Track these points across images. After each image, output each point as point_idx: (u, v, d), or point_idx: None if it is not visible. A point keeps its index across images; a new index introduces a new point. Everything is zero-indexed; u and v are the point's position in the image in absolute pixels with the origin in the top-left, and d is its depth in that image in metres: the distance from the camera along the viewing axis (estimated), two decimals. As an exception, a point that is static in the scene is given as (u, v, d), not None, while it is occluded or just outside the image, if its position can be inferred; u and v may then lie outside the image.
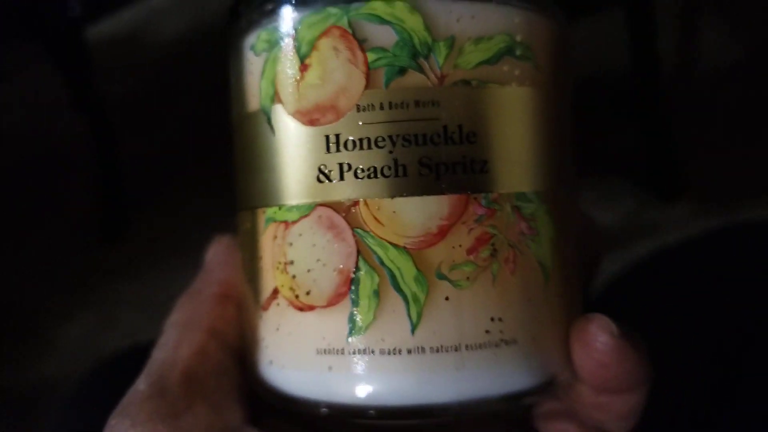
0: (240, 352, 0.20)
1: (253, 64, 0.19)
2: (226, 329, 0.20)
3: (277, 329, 0.18)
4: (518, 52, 0.17)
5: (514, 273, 0.17)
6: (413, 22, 0.17)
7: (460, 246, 0.17)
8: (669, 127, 0.88)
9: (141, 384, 0.18)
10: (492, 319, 0.17)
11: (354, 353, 0.17)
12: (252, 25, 0.19)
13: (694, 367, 0.31)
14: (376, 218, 0.17)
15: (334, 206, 0.17)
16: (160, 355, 0.19)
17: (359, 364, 0.17)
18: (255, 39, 0.18)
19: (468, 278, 0.17)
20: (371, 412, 0.17)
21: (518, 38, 0.17)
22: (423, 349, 0.16)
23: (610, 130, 0.97)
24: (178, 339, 0.19)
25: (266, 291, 0.18)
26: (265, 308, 0.18)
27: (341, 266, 0.17)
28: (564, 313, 0.18)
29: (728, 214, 0.85)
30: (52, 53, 0.88)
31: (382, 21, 0.17)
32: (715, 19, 1.03)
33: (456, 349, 0.16)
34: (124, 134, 0.99)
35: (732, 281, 0.33)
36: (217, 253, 0.21)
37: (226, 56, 0.21)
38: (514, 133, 0.17)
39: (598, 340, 0.17)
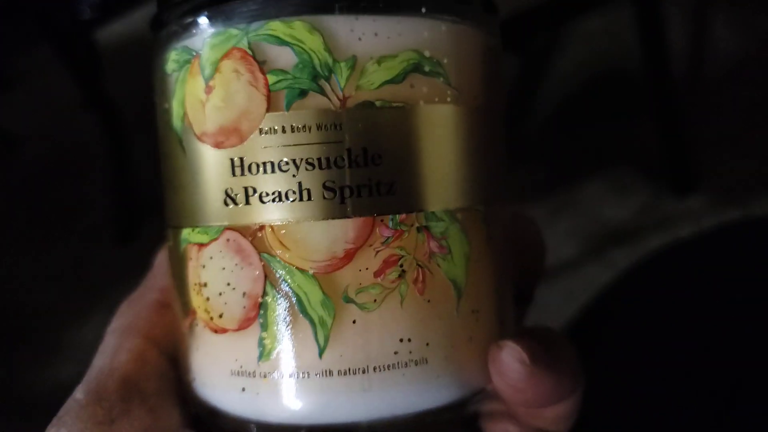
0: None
1: (166, 82, 0.18)
2: (164, 336, 0.20)
3: (197, 348, 0.18)
4: (427, 69, 0.17)
5: (423, 293, 0.17)
6: (313, 43, 0.16)
7: (367, 269, 0.16)
8: (682, 120, 0.87)
9: (78, 393, 0.18)
10: (401, 340, 0.17)
11: (264, 376, 0.17)
12: (166, 42, 0.18)
13: (708, 361, 0.31)
14: (281, 243, 0.16)
15: (241, 230, 0.17)
16: (98, 362, 0.19)
17: (268, 387, 0.17)
18: (168, 58, 0.18)
19: (375, 300, 0.17)
20: (284, 431, 0.17)
21: (427, 54, 0.17)
22: (330, 372, 0.16)
23: (623, 124, 0.97)
24: (117, 345, 0.19)
25: (187, 310, 0.19)
26: (187, 327, 0.19)
27: (249, 291, 0.17)
28: (483, 327, 0.18)
29: (741, 207, 0.85)
30: (64, 56, 0.88)
31: (281, 42, 0.16)
32: (727, 11, 1.01)
33: (363, 372, 0.17)
34: (137, 136, 0.98)
35: (746, 275, 0.33)
36: (162, 261, 0.21)
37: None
38: (423, 152, 0.17)
39: (510, 369, 0.17)
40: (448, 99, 0.17)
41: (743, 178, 0.89)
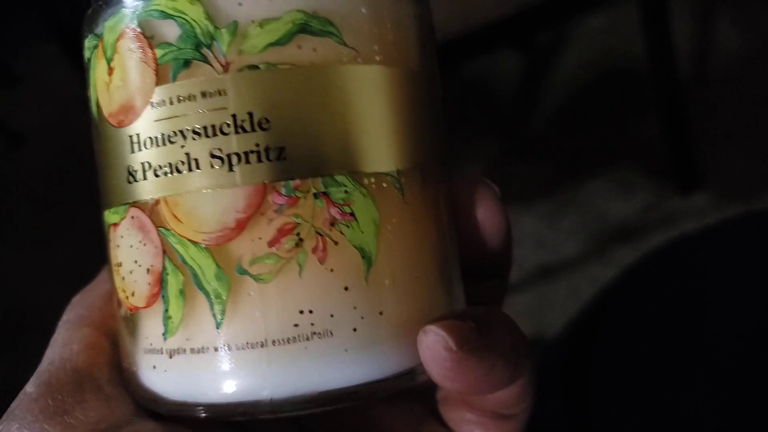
0: None
1: (86, 71, 0.19)
2: (116, 326, 0.20)
3: (121, 330, 0.18)
4: (316, 28, 0.16)
5: (325, 262, 0.16)
6: (194, 13, 0.16)
7: (260, 239, 0.16)
8: (686, 118, 0.84)
9: (29, 386, 0.19)
10: (301, 312, 0.16)
11: (169, 354, 0.16)
12: (83, 33, 0.19)
13: (712, 357, 0.29)
14: (175, 216, 0.16)
15: (141, 206, 0.16)
16: (49, 354, 0.19)
17: (175, 363, 0.16)
18: (84, 46, 0.18)
19: (271, 271, 0.16)
20: (191, 409, 0.16)
21: (316, 13, 0.16)
22: (230, 346, 0.16)
23: (627, 122, 0.95)
24: (68, 337, 0.19)
25: (115, 293, 0.18)
26: (114, 310, 0.18)
27: (152, 266, 0.16)
28: (404, 302, 0.17)
29: (746, 204, 0.82)
30: (69, 53, 0.91)
31: (165, 16, 0.16)
32: (732, 10, 0.98)
33: (262, 345, 0.16)
34: None
35: (749, 271, 0.31)
36: None
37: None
38: (314, 114, 0.16)
39: (437, 355, 0.16)
40: (344, 59, 0.16)
41: (747, 176, 0.85)
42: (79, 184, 1.17)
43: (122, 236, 0.17)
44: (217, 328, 0.16)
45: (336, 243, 0.16)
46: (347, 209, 0.16)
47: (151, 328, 0.17)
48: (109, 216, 0.18)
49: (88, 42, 0.18)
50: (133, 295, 0.17)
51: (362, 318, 0.16)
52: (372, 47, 0.17)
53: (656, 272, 0.34)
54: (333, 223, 0.16)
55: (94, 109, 0.18)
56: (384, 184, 0.17)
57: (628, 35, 0.86)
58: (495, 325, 0.17)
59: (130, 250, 0.17)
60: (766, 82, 0.91)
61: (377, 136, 0.17)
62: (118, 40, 0.17)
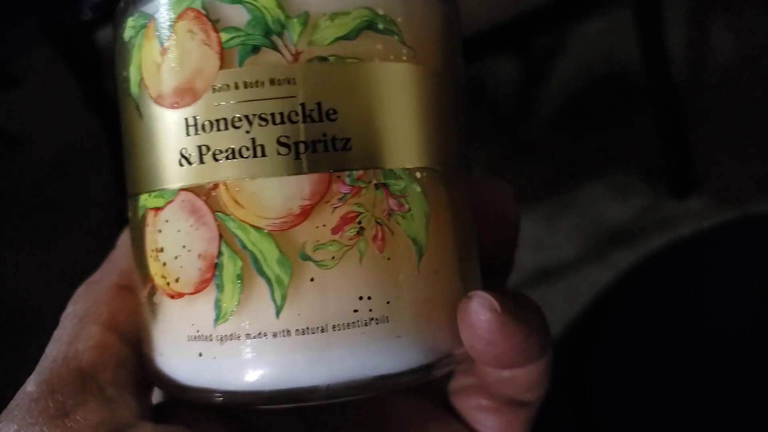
0: (139, 345, 0.19)
1: (126, 50, 0.18)
2: (125, 321, 0.19)
3: (156, 317, 0.17)
4: (381, 26, 0.17)
5: (383, 250, 0.16)
6: (265, 0, 0.16)
7: (324, 226, 0.16)
8: (682, 121, 0.86)
9: (30, 385, 0.17)
10: (360, 298, 0.16)
11: (221, 339, 0.16)
12: (123, 12, 0.18)
13: (712, 356, 0.30)
14: (236, 201, 0.16)
15: (195, 190, 0.16)
16: (53, 351, 0.18)
17: (227, 350, 0.16)
18: (126, 25, 0.18)
19: (333, 258, 0.16)
20: (243, 397, 0.16)
21: (380, 11, 0.17)
22: (288, 332, 0.16)
23: (624, 126, 0.95)
24: (74, 333, 0.18)
25: (147, 280, 0.18)
26: (148, 297, 0.18)
27: (204, 251, 0.16)
28: (446, 289, 0.17)
29: (742, 208, 0.84)
30: (65, 56, 0.87)
31: (234, 1, 0.16)
32: (726, 15, 1.01)
33: (322, 330, 0.16)
34: None
35: (746, 272, 0.32)
36: (124, 241, 0.20)
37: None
38: (378, 109, 0.16)
39: (480, 318, 0.17)
40: (404, 57, 0.17)
41: (743, 179, 0.88)
42: (77, 185, 1.08)
43: (167, 220, 0.17)
44: (277, 313, 0.16)
45: (393, 233, 0.16)
46: (404, 201, 0.17)
47: (198, 314, 0.16)
48: (148, 200, 0.17)
49: (133, 21, 0.17)
50: (177, 281, 0.17)
51: (413, 305, 0.17)
52: (426, 48, 0.17)
53: (654, 275, 0.35)
54: (390, 213, 0.16)
55: (134, 89, 0.17)
56: (433, 179, 0.17)
57: (626, 40, 0.87)
58: (526, 300, 0.18)
59: (178, 235, 0.16)
60: (761, 86, 0.94)
61: (429, 133, 0.17)
62: (176, 20, 0.16)
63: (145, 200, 0.17)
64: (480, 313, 0.17)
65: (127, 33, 0.18)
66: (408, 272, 0.17)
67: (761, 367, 0.28)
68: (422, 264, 0.17)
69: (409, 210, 0.17)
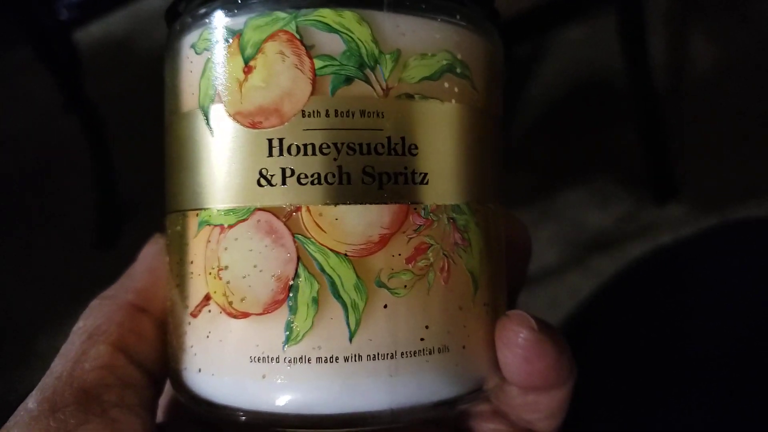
0: (151, 368, 0.18)
1: (193, 62, 0.17)
2: (138, 344, 0.18)
3: (208, 336, 0.17)
4: (458, 70, 0.17)
5: (448, 282, 0.17)
6: (361, 33, 0.16)
7: (400, 255, 0.16)
8: (663, 128, 0.85)
9: (31, 401, 0.16)
10: (426, 327, 0.16)
11: (290, 361, 0.16)
12: (193, 23, 0.17)
13: (691, 367, 0.31)
14: (317, 225, 0.16)
15: (274, 211, 0.16)
16: (58, 367, 0.17)
17: (295, 372, 0.16)
18: (197, 37, 0.17)
19: (405, 286, 0.16)
20: (308, 420, 0.16)
21: (459, 56, 0.17)
22: (360, 357, 0.16)
23: (606, 132, 0.94)
24: (81, 350, 0.17)
25: (196, 297, 0.17)
26: (195, 315, 0.17)
27: (279, 272, 0.16)
28: (490, 320, 0.18)
29: (722, 215, 0.83)
30: (43, 57, 0.80)
31: (330, 29, 0.16)
32: (705, 24, 1.01)
33: (392, 357, 0.16)
34: (118, 139, 0.90)
35: (727, 280, 0.32)
36: (146, 257, 0.19)
37: (163, 55, 0.19)
38: (452, 147, 0.17)
39: (519, 336, 0.17)
40: (474, 101, 0.18)
41: (722, 186, 0.87)
42: (52, 190, 0.95)
43: (237, 239, 0.16)
44: (350, 337, 0.16)
45: (456, 265, 0.17)
46: (466, 235, 0.17)
47: (266, 335, 0.16)
48: (215, 217, 0.17)
49: (209, 34, 0.17)
50: (242, 300, 0.16)
51: (469, 336, 0.17)
52: (487, 91, 0.18)
53: (636, 283, 0.36)
54: (455, 247, 0.17)
55: (205, 102, 0.17)
56: (487, 214, 0.18)
57: (606, 47, 0.86)
58: (553, 327, 0.19)
59: (249, 254, 0.16)
60: (740, 94, 0.95)
61: (487, 171, 0.18)
62: (265, 40, 0.16)
63: (208, 216, 0.17)
64: (518, 330, 0.17)
65: (201, 45, 0.17)
66: (465, 304, 0.17)
67: (745, 373, 0.30)
68: (477, 297, 0.18)
69: (470, 244, 0.17)
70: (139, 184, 0.96)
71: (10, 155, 1.02)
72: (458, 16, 0.17)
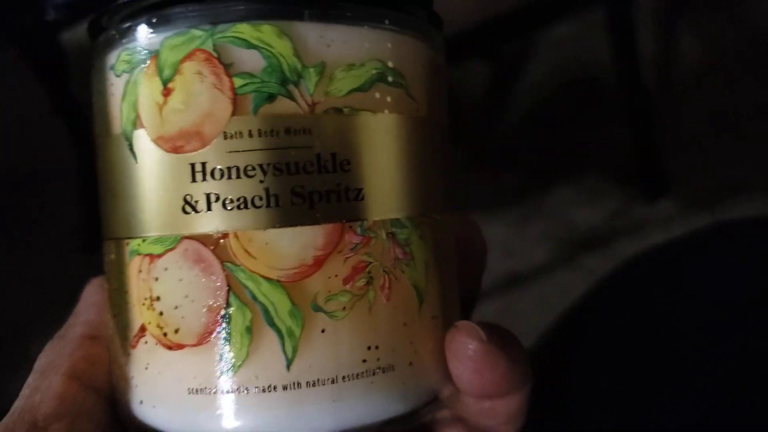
0: (108, 392, 0.18)
1: (113, 85, 0.17)
2: (90, 370, 0.18)
3: (146, 368, 0.16)
4: (390, 79, 0.16)
5: (390, 299, 0.16)
6: (282, 48, 0.15)
7: (336, 276, 0.16)
8: (652, 125, 0.84)
9: None
10: (369, 348, 0.16)
11: (227, 392, 0.15)
12: (113, 42, 0.17)
13: (686, 367, 0.30)
14: (247, 251, 0.15)
15: (201, 239, 0.15)
16: (15, 405, 0.17)
17: (233, 404, 0.15)
18: (115, 59, 0.16)
19: (344, 308, 0.16)
20: None
21: (390, 64, 0.16)
22: (299, 384, 0.15)
23: (595, 129, 0.93)
24: (34, 386, 0.17)
25: (134, 327, 0.16)
26: (134, 346, 0.16)
27: (211, 302, 0.15)
28: (440, 332, 0.18)
29: (712, 211, 0.83)
30: (29, 59, 0.79)
31: (249, 45, 0.15)
32: (693, 22, 1.00)
33: (333, 381, 0.15)
34: None
35: (722, 280, 0.32)
36: (89, 293, 0.19)
37: (88, 73, 0.18)
38: (388, 160, 0.16)
39: (468, 348, 0.17)
40: (410, 110, 0.17)
41: (712, 183, 0.87)
42: (39, 194, 0.94)
43: (166, 269, 0.16)
44: (288, 365, 0.15)
45: (398, 281, 0.16)
46: (408, 249, 0.17)
47: (202, 367, 0.15)
48: (144, 246, 0.16)
49: (128, 55, 0.16)
50: (176, 332, 0.16)
51: (416, 352, 0.17)
52: (426, 99, 0.18)
53: (629, 283, 0.35)
54: (396, 262, 0.16)
55: (127, 127, 0.16)
56: (430, 226, 0.17)
57: (594, 44, 0.84)
58: (506, 332, 0.19)
59: (179, 284, 0.15)
60: (729, 91, 0.94)
61: (429, 181, 0.18)
62: (182, 61, 0.15)
63: (138, 245, 0.16)
64: (468, 342, 0.17)
65: (120, 67, 0.16)
66: (410, 319, 0.17)
67: (740, 373, 0.29)
68: (422, 310, 0.17)
69: (412, 258, 0.17)
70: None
71: (-4, 158, 1.01)
72: (387, 21, 0.17)
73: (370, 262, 0.16)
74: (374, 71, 0.16)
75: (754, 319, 0.30)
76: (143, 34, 0.16)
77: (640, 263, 0.36)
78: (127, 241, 0.16)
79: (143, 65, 0.16)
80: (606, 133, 0.92)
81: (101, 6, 0.18)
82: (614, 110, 0.88)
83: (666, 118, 0.90)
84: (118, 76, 0.16)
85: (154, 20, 0.16)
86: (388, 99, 0.16)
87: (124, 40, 0.16)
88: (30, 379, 0.18)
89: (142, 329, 0.16)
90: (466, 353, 0.17)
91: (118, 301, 0.17)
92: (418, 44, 0.18)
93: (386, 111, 0.16)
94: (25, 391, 0.17)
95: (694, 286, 0.32)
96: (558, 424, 0.20)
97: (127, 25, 0.16)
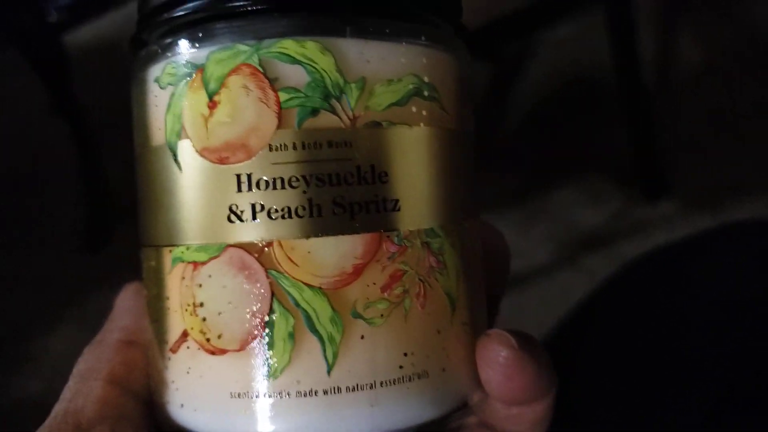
0: (146, 396, 0.18)
1: (158, 96, 0.17)
2: (129, 375, 0.18)
3: (188, 372, 0.17)
4: (426, 93, 0.17)
5: (424, 307, 0.17)
6: (325, 63, 0.16)
7: (374, 284, 0.16)
8: (654, 126, 0.85)
9: None
10: (405, 354, 0.16)
11: (268, 396, 0.16)
12: (156, 56, 0.17)
13: (688, 368, 0.31)
14: (290, 259, 0.16)
15: (246, 247, 0.16)
16: (56, 409, 0.17)
17: (274, 407, 0.16)
18: (160, 72, 0.17)
19: (382, 315, 0.16)
20: None
21: (426, 79, 0.17)
22: (339, 389, 0.16)
23: (595, 130, 0.93)
24: (75, 390, 0.18)
25: (175, 333, 0.17)
26: (174, 350, 0.17)
27: (254, 309, 0.16)
28: (470, 339, 0.18)
29: (713, 211, 0.83)
30: (32, 60, 0.79)
31: (293, 61, 0.16)
32: (692, 23, 1.00)
33: (371, 387, 0.16)
34: (107, 141, 0.88)
35: (724, 281, 0.32)
36: (124, 299, 0.20)
37: (128, 85, 0.19)
38: (423, 171, 0.17)
39: (500, 355, 0.17)
40: (442, 122, 0.17)
41: (713, 183, 0.87)
42: (41, 193, 0.94)
43: (211, 276, 0.16)
44: (329, 370, 0.16)
45: (432, 289, 0.17)
46: (441, 258, 0.17)
47: (245, 371, 0.16)
48: (188, 254, 0.16)
49: (173, 68, 0.16)
50: (219, 337, 0.16)
51: (449, 357, 0.17)
52: (457, 111, 0.18)
53: (633, 285, 0.35)
54: (431, 270, 0.17)
55: (172, 138, 0.17)
56: (461, 234, 0.18)
57: (595, 45, 0.84)
58: (533, 339, 0.19)
59: (223, 291, 0.16)
60: (728, 91, 0.94)
61: (459, 190, 0.18)
62: (228, 75, 0.16)
63: (181, 253, 0.16)
64: (499, 350, 0.17)
65: (165, 80, 0.17)
66: (443, 326, 0.17)
67: (741, 374, 0.29)
68: (454, 317, 0.18)
69: (445, 266, 0.17)
70: (130, 186, 0.95)
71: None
72: (423, 38, 0.17)
73: (406, 271, 0.16)
74: (411, 86, 0.17)
75: (756, 319, 0.31)
76: (187, 48, 0.16)
77: (642, 264, 0.36)
78: (169, 248, 0.17)
79: (188, 78, 0.16)
80: (606, 133, 0.92)
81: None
82: (614, 111, 0.88)
83: (666, 118, 0.91)
84: (162, 88, 0.17)
85: (199, 35, 0.16)
86: (424, 112, 0.17)
87: (168, 54, 0.17)
88: (70, 383, 0.18)
89: (185, 334, 0.17)
90: (498, 360, 0.17)
91: (157, 307, 0.18)
92: (449, 57, 0.18)
93: (421, 124, 0.17)
94: (66, 394, 0.18)
95: (696, 286, 0.32)
96: (562, 424, 0.20)
97: (171, 40, 0.17)
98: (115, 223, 0.93)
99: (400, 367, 0.16)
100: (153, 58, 0.17)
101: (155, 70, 0.17)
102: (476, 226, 0.19)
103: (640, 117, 0.84)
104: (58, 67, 0.81)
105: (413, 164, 0.17)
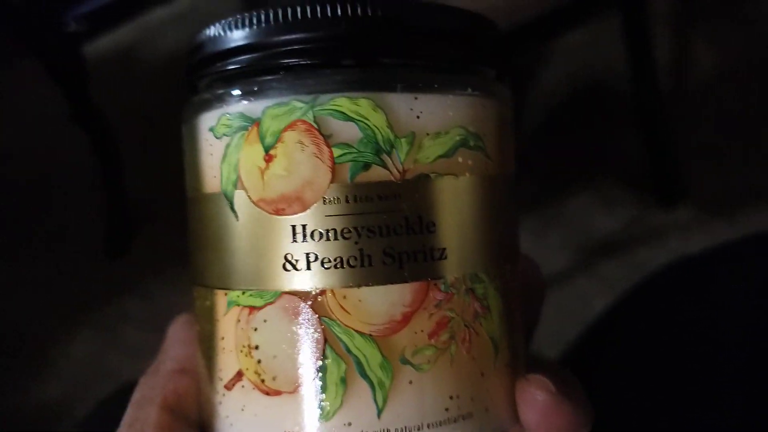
0: (196, 422, 0.19)
1: (213, 146, 0.18)
2: (180, 402, 0.19)
3: (242, 409, 0.17)
4: (471, 143, 0.18)
5: (470, 351, 0.17)
6: (377, 120, 0.16)
7: (422, 331, 0.17)
8: (669, 132, 0.84)
9: None
10: (451, 397, 0.17)
11: None
12: (209, 104, 0.18)
13: (713, 380, 0.30)
14: (342, 307, 0.16)
15: (300, 295, 0.16)
16: None
17: None
18: (214, 121, 0.18)
19: (429, 361, 0.17)
20: None
21: (471, 129, 0.18)
22: (388, 431, 0.16)
23: (610, 137, 0.93)
24: (135, 416, 0.19)
25: (229, 371, 0.18)
26: (229, 388, 0.18)
27: (308, 354, 0.16)
28: (511, 379, 0.19)
29: (729, 217, 0.82)
30: (51, 69, 0.81)
31: (347, 118, 0.16)
32: (706, 29, 1.00)
33: (419, 429, 0.17)
34: (127, 150, 0.90)
35: (749, 292, 0.32)
36: (176, 330, 0.21)
37: (180, 128, 0.19)
38: (468, 219, 0.17)
39: (538, 399, 0.18)
40: (487, 170, 0.18)
41: (728, 189, 0.87)
42: (61, 201, 0.97)
43: (266, 321, 0.17)
44: (378, 414, 0.16)
45: (477, 334, 0.17)
46: (485, 303, 0.18)
47: (298, 412, 0.16)
48: (243, 298, 0.17)
49: (229, 120, 0.17)
50: (274, 379, 0.17)
51: (491, 398, 0.18)
52: (501, 158, 0.19)
53: (655, 294, 0.35)
54: (476, 316, 0.17)
55: (228, 187, 0.17)
56: (504, 278, 0.19)
57: (609, 51, 0.84)
58: (570, 376, 0.20)
59: (278, 335, 0.17)
60: (743, 96, 0.94)
61: (504, 235, 0.19)
62: (284, 130, 0.16)
63: (237, 297, 0.17)
64: (537, 394, 0.18)
65: (220, 130, 0.17)
66: (487, 369, 0.18)
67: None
68: (498, 359, 0.18)
69: (489, 311, 0.18)
70: (149, 192, 0.97)
71: (18, 166, 1.03)
72: (470, 89, 0.18)
73: (453, 317, 0.17)
74: (458, 137, 0.17)
75: None
76: (241, 100, 0.17)
77: (663, 274, 0.36)
78: (224, 291, 0.17)
79: (244, 131, 0.17)
80: (621, 140, 0.92)
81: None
82: (629, 117, 0.88)
83: (681, 124, 0.90)
84: (218, 138, 0.17)
85: (254, 89, 0.17)
86: (469, 162, 0.17)
87: (221, 104, 0.17)
88: (129, 410, 0.19)
89: (239, 374, 0.17)
90: (536, 402, 0.18)
91: (210, 344, 0.18)
92: (493, 103, 0.19)
93: (467, 174, 0.17)
94: (126, 420, 0.19)
95: (721, 296, 0.32)
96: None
97: (223, 91, 0.17)
98: (132, 231, 0.94)
99: (446, 409, 0.17)
100: (206, 105, 0.18)
101: (209, 119, 0.18)
102: (518, 264, 0.20)
103: (655, 123, 0.84)
104: (76, 76, 0.82)
105: (459, 213, 0.17)
